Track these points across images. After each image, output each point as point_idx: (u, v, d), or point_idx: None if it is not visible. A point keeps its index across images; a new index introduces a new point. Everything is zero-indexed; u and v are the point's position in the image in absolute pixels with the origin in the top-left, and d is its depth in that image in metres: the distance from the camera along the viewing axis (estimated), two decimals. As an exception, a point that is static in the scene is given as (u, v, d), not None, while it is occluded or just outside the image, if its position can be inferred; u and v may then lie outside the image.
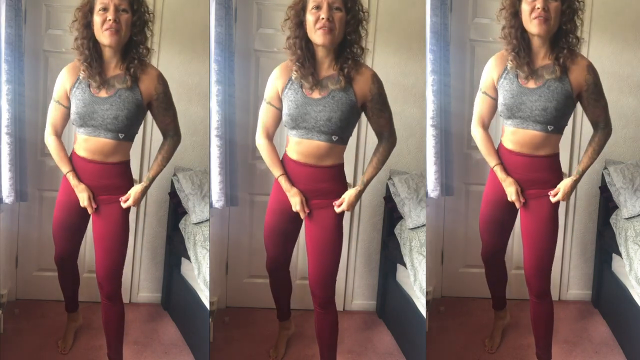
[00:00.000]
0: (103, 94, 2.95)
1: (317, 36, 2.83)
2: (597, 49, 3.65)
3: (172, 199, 3.68)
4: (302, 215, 3.01)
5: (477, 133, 3.07)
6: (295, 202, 2.98)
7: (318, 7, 2.82)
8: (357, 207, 3.71)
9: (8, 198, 3.56)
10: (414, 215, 3.58)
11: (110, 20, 2.88)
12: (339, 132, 2.91)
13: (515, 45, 2.90)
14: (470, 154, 3.77)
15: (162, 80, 3.03)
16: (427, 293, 3.40)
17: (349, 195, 2.99)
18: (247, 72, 3.71)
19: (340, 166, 3.02)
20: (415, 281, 3.38)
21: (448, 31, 3.56)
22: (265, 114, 3.01)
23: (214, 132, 3.52)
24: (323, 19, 2.81)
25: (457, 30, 3.65)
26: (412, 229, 3.55)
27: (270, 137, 3.02)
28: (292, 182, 2.99)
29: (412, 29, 3.60)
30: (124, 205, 3.04)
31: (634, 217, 3.58)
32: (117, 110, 2.94)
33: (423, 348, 3.24)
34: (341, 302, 3.83)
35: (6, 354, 3.34)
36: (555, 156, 3.01)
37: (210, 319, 3.36)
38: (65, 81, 3.00)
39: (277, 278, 3.27)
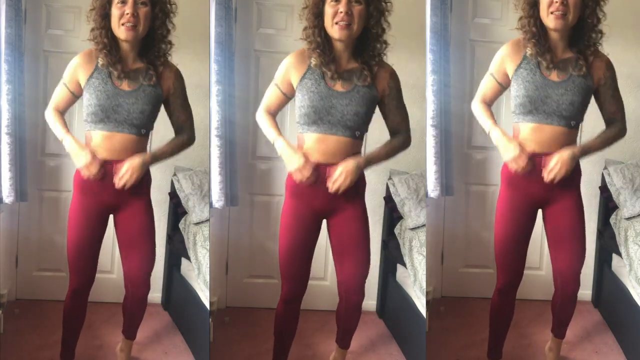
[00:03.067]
0: (126, 86, 2.81)
1: (334, 31, 2.70)
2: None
3: (172, 199, 3.68)
4: (299, 177, 2.75)
5: (477, 106, 2.92)
6: (300, 161, 2.74)
7: (337, 0, 2.69)
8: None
9: (8, 198, 3.56)
10: (414, 215, 3.58)
11: (128, 14, 2.75)
12: (363, 128, 2.79)
13: (535, 33, 2.75)
14: (470, 154, 3.77)
15: (180, 76, 2.94)
16: (427, 293, 3.39)
17: (345, 166, 2.75)
18: (247, 72, 3.72)
19: None
20: (415, 281, 3.38)
21: (448, 31, 3.56)
22: (271, 96, 2.86)
23: (214, 132, 3.52)
24: (342, 12, 2.67)
25: (457, 30, 3.65)
26: (412, 229, 3.55)
27: (271, 114, 2.87)
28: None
29: (412, 29, 3.60)
30: (121, 183, 2.81)
31: (634, 217, 3.58)
32: (143, 105, 2.83)
33: (423, 348, 3.24)
34: (341, 302, 3.83)
35: (6, 354, 3.34)
36: None
37: (210, 319, 3.36)
38: (80, 69, 2.84)
39: (291, 311, 3.00)
